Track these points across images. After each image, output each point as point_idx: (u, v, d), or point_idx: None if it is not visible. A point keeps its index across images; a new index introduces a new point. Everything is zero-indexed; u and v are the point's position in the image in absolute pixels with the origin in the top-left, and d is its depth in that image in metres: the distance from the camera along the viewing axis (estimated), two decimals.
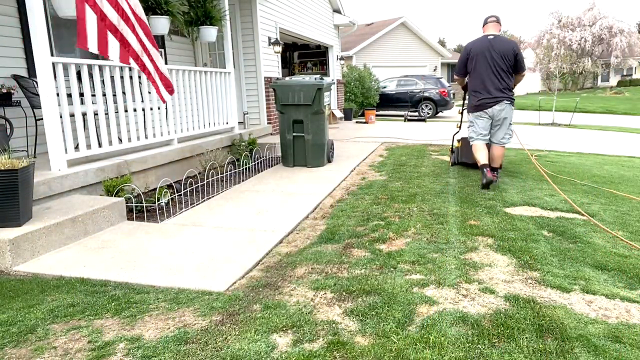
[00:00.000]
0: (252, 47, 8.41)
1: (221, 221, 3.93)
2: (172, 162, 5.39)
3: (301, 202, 4.49)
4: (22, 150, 4.87)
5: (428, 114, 16.91)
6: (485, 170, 4.80)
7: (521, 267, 2.87)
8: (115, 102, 4.70)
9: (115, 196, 4.00)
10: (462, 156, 6.00)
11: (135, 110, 4.99)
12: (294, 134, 6.16)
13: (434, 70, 27.81)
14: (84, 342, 2.09)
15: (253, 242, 3.39)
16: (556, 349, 1.98)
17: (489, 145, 5.10)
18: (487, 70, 4.93)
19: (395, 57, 25.66)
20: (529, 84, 41.31)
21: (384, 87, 18.01)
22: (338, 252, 3.18)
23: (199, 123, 6.18)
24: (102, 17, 3.45)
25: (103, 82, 4.64)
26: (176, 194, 4.73)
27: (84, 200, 3.85)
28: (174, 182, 5.17)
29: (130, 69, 4.88)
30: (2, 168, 3.00)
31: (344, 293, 2.55)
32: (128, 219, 3.98)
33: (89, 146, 4.40)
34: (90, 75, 4.48)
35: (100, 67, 4.51)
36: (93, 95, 4.67)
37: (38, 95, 4.04)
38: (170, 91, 4.31)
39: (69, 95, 4.48)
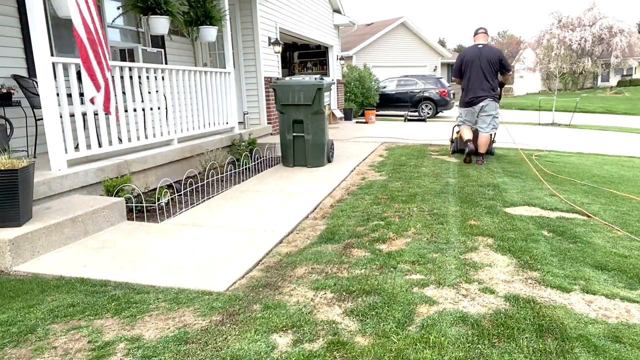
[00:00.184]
0: (252, 47, 8.41)
1: (221, 221, 3.93)
2: (172, 162, 5.39)
3: (301, 202, 4.49)
4: (22, 150, 4.87)
5: (428, 114, 16.91)
6: (469, 143, 6.23)
7: (521, 267, 2.87)
8: (115, 102, 4.69)
9: (115, 196, 4.00)
10: (459, 144, 6.89)
11: (135, 110, 4.99)
12: (294, 134, 6.16)
13: (434, 70, 27.81)
14: (84, 342, 2.09)
15: (253, 242, 3.39)
16: (556, 349, 1.98)
17: (475, 132, 6.46)
18: (477, 74, 6.22)
19: (395, 57, 25.66)
20: (529, 84, 41.35)
21: (384, 87, 18.00)
22: (338, 252, 3.18)
23: (199, 123, 6.18)
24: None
25: None
26: (176, 194, 4.73)
27: (84, 200, 3.85)
28: (174, 182, 5.17)
29: (130, 69, 4.88)
30: (2, 168, 3.00)
31: (344, 293, 2.54)
32: (128, 219, 3.98)
33: (89, 146, 4.40)
34: None
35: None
36: None
37: (38, 95, 4.04)
38: (107, 108, 4.08)
39: (69, 95, 4.48)
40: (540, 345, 2.01)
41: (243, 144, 6.70)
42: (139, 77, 5.06)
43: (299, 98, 6.01)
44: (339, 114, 13.69)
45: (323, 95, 6.07)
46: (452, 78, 6.91)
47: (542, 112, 15.21)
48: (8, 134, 4.56)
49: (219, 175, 5.41)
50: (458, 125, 6.79)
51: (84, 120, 4.49)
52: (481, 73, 6.19)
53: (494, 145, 7.13)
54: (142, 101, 5.16)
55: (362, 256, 3.09)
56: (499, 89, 6.43)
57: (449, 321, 2.21)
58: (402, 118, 15.13)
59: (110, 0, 6.52)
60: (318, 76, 6.24)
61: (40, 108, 3.89)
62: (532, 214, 4.00)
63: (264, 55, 8.58)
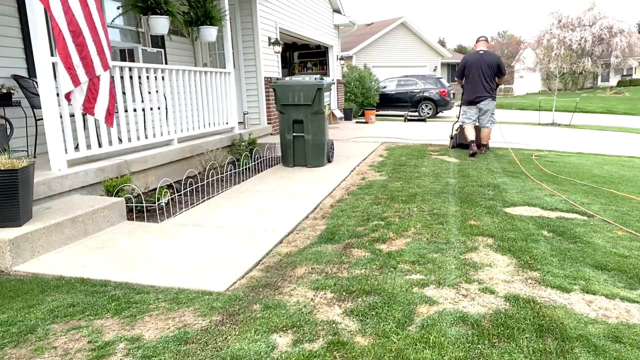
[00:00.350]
0: (252, 47, 8.41)
1: (221, 221, 3.93)
2: (172, 162, 5.39)
3: (301, 202, 4.49)
4: (22, 150, 4.87)
5: (428, 114, 16.91)
6: (472, 144, 7.04)
7: (521, 267, 2.87)
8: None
9: (115, 196, 4.00)
10: (459, 140, 7.68)
11: (135, 110, 4.99)
12: (294, 134, 6.16)
13: (434, 70, 27.81)
14: (84, 342, 2.09)
15: (253, 242, 3.39)
16: (556, 349, 1.98)
17: (477, 128, 7.29)
18: (478, 77, 7.15)
19: (395, 57, 25.66)
20: (529, 84, 41.35)
21: (384, 87, 18.00)
22: (338, 252, 3.18)
23: (199, 123, 6.18)
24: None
25: None
26: (176, 194, 4.73)
27: (84, 200, 3.85)
28: (174, 182, 5.17)
29: (130, 69, 4.88)
30: (2, 168, 3.00)
31: (344, 293, 2.54)
32: (128, 219, 3.98)
33: (89, 146, 4.40)
34: None
35: None
36: None
37: (38, 95, 4.04)
38: (109, 120, 3.99)
39: None
40: (540, 345, 2.01)
41: (243, 144, 6.70)
42: (139, 77, 5.06)
43: (299, 98, 6.01)
44: (339, 114, 13.69)
45: (323, 95, 6.07)
46: (456, 79, 7.93)
47: (542, 112, 15.21)
48: (8, 134, 4.56)
49: (219, 175, 5.41)
50: (461, 122, 7.59)
51: (84, 120, 4.48)
52: (482, 76, 7.11)
53: (496, 145, 7.80)
54: (142, 101, 5.16)
55: (362, 256, 3.09)
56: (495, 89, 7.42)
57: (449, 321, 2.21)
58: (402, 118, 15.12)
59: (110, 0, 6.53)
60: (318, 76, 6.24)
61: (40, 108, 3.89)
62: (532, 214, 4.00)
63: (264, 55, 8.58)
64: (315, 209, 4.33)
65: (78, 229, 3.45)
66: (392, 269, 2.85)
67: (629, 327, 2.17)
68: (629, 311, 2.33)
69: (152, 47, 7.01)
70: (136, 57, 5.95)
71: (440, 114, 17.61)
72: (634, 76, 39.36)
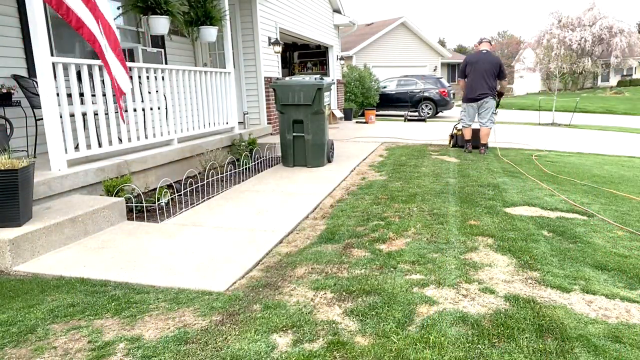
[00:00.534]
0: (252, 47, 8.41)
1: (221, 221, 3.93)
2: (172, 162, 5.39)
3: (301, 202, 4.49)
4: (22, 150, 4.87)
5: (428, 114, 16.91)
6: (467, 144, 7.47)
7: (521, 267, 2.87)
8: (115, 102, 4.70)
9: (115, 196, 4.00)
10: (459, 141, 7.87)
11: (135, 110, 4.99)
12: (294, 134, 6.16)
13: (434, 70, 27.80)
14: (84, 342, 2.09)
15: (253, 242, 3.39)
16: (556, 349, 1.98)
17: (476, 130, 7.48)
18: (479, 75, 7.24)
19: (395, 57, 25.66)
20: (529, 84, 41.33)
21: (384, 87, 18.00)
22: (338, 252, 3.18)
23: (199, 123, 6.18)
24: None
25: (103, 82, 4.64)
26: (176, 194, 4.73)
27: (84, 200, 3.85)
28: (174, 182, 5.17)
29: (130, 69, 4.88)
30: (2, 168, 3.00)
31: (344, 293, 2.55)
32: (128, 219, 3.98)
33: (89, 146, 4.40)
34: (90, 75, 4.47)
35: (100, 67, 4.50)
36: (93, 95, 4.67)
37: (38, 95, 4.04)
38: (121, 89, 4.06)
39: (69, 95, 4.48)
40: (540, 345, 2.01)
41: (243, 144, 6.70)
42: (139, 77, 5.06)
43: (299, 98, 6.01)
44: (339, 114, 13.68)
45: (323, 95, 6.07)
46: (457, 79, 8.34)
47: (542, 112, 15.21)
48: (8, 134, 4.56)
49: (219, 175, 5.41)
50: (460, 121, 7.68)
51: (84, 120, 4.49)
52: (484, 74, 7.21)
53: (497, 144, 7.90)
54: (142, 101, 5.16)
55: (362, 256, 3.09)
56: (497, 96, 7.50)
57: (449, 321, 2.21)
58: (402, 118, 15.13)
59: (110, 0, 6.53)
60: (318, 76, 6.24)
61: (40, 108, 3.89)
62: (532, 214, 4.00)
63: (264, 55, 8.58)
64: (315, 209, 4.33)
65: (78, 229, 3.45)
66: (392, 269, 2.85)
67: (629, 327, 2.17)
68: (629, 311, 2.33)
69: (152, 47, 7.01)
70: (136, 57, 5.96)
71: (440, 114, 17.61)
72: (634, 76, 39.34)
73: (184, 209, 4.30)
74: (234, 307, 2.40)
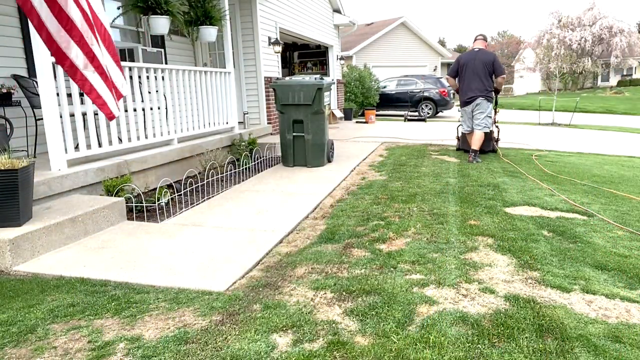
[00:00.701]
0: (252, 47, 8.41)
1: (221, 221, 3.93)
2: (172, 162, 5.39)
3: (301, 202, 4.49)
4: (22, 150, 4.87)
5: (428, 113, 16.90)
6: (470, 152, 6.63)
7: (521, 267, 2.87)
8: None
9: (115, 196, 4.00)
10: (462, 145, 7.51)
11: (135, 110, 4.99)
12: (294, 133, 6.16)
13: (434, 70, 27.80)
14: (84, 342, 2.09)
15: (253, 242, 3.39)
16: (556, 349, 1.98)
17: (471, 133, 6.88)
18: (471, 75, 6.73)
19: (395, 57, 25.66)
20: (529, 84, 41.32)
21: (384, 87, 17.99)
22: (338, 252, 3.18)
23: (199, 123, 6.18)
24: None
25: None
26: (176, 194, 4.73)
27: (84, 200, 3.85)
28: (174, 182, 5.17)
29: (130, 69, 4.88)
30: (2, 168, 3.00)
31: (344, 293, 2.55)
32: (128, 219, 3.98)
33: (89, 146, 4.40)
34: None
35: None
36: None
37: (38, 95, 4.04)
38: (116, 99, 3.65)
39: (69, 95, 4.48)
40: (540, 345, 2.01)
41: (243, 143, 6.70)
42: (139, 77, 5.06)
43: (299, 98, 6.01)
44: (339, 114, 13.68)
45: (323, 95, 6.07)
46: (446, 76, 7.65)
47: (542, 112, 15.21)
48: (8, 134, 4.56)
49: (219, 175, 5.41)
50: (459, 127, 7.38)
51: (84, 120, 4.49)
52: (475, 74, 6.70)
53: (499, 144, 7.60)
54: (142, 101, 5.16)
55: (362, 256, 3.09)
56: (493, 93, 6.92)
57: (449, 321, 2.21)
58: (402, 118, 15.12)
59: (110, 0, 6.52)
60: (318, 76, 6.24)
61: (40, 108, 3.89)
62: (532, 213, 4.00)
63: (264, 55, 8.58)
64: (315, 208, 4.33)
65: (78, 228, 3.45)
66: (392, 269, 2.85)
67: (629, 327, 2.17)
68: (629, 311, 2.33)
69: (152, 47, 7.01)
70: (136, 57, 5.95)
71: (440, 114, 17.61)
72: (634, 76, 39.35)
73: (184, 209, 4.30)
74: (234, 307, 2.40)
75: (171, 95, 5.59)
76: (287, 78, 6.37)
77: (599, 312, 2.31)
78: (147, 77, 5.19)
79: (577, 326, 2.17)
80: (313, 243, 3.39)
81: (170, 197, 4.49)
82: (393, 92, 18.02)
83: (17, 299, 2.52)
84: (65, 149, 4.08)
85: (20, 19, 5.05)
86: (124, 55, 5.98)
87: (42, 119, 3.94)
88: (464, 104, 6.91)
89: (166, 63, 7.11)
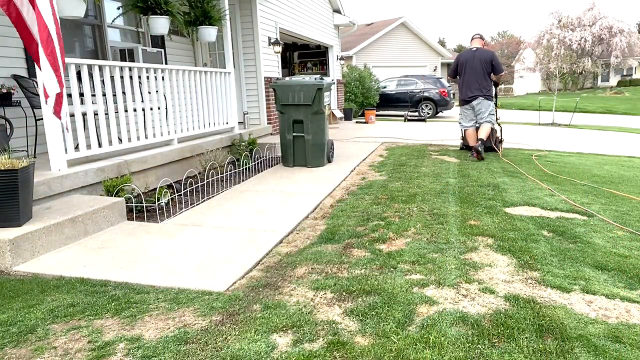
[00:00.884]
0: (252, 47, 8.41)
1: (221, 221, 3.93)
2: (172, 162, 5.39)
3: (301, 202, 4.49)
4: (22, 150, 4.87)
5: (428, 114, 16.91)
6: (473, 150, 6.74)
7: (521, 267, 2.87)
8: (115, 102, 4.70)
9: (115, 196, 4.00)
10: (464, 141, 7.51)
11: (135, 110, 4.99)
12: (294, 134, 6.16)
13: (434, 70, 27.79)
14: (84, 342, 2.09)
15: (253, 242, 3.39)
16: (556, 349, 1.98)
17: (476, 129, 7.00)
18: (470, 75, 6.88)
19: (395, 57, 25.65)
20: (529, 84, 41.32)
21: (384, 87, 18.00)
22: (338, 252, 3.18)
23: (199, 123, 6.18)
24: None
25: (103, 82, 4.64)
26: (176, 194, 4.73)
27: (84, 200, 3.85)
28: (174, 182, 5.17)
29: (130, 69, 4.88)
30: (2, 168, 3.00)
31: (344, 293, 2.54)
32: (128, 219, 3.98)
33: (89, 146, 4.40)
34: (90, 75, 4.47)
35: (100, 67, 4.51)
36: (93, 95, 4.67)
37: (38, 95, 4.03)
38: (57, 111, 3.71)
39: (69, 95, 4.47)
40: (540, 345, 2.01)
41: (243, 144, 6.70)
42: (139, 77, 5.06)
43: (299, 98, 6.01)
44: (339, 114, 13.68)
45: (323, 95, 6.07)
46: (448, 77, 7.94)
47: (542, 112, 15.21)
48: (8, 134, 4.56)
49: (219, 175, 5.41)
50: (461, 124, 7.31)
51: (84, 120, 4.49)
52: (474, 73, 6.86)
53: (503, 145, 7.60)
54: (142, 101, 5.16)
55: (362, 256, 3.09)
56: (493, 88, 7.11)
57: (449, 321, 2.21)
58: (402, 118, 15.13)
59: (110, 0, 6.53)
60: (318, 76, 6.24)
61: (40, 108, 3.89)
62: (532, 214, 4.00)
63: (264, 55, 8.58)
64: (315, 209, 4.33)
65: (78, 228, 3.45)
66: (392, 269, 2.85)
67: (629, 327, 2.17)
68: (629, 311, 2.33)
69: (152, 47, 7.02)
70: (136, 57, 5.96)
71: (440, 114, 17.62)
72: (634, 76, 39.34)
73: (184, 209, 4.30)
74: (234, 307, 2.40)
75: (171, 96, 5.59)
76: (287, 78, 6.37)
77: (599, 312, 2.31)
78: (147, 77, 5.19)
79: (577, 326, 2.17)
80: (313, 243, 3.39)
81: (170, 197, 4.49)
82: (393, 92, 18.02)
83: (17, 299, 2.52)
84: (65, 149, 4.08)
85: None
86: (124, 55, 5.98)
87: (42, 119, 3.94)
88: (463, 102, 7.06)
89: (166, 63, 7.11)
